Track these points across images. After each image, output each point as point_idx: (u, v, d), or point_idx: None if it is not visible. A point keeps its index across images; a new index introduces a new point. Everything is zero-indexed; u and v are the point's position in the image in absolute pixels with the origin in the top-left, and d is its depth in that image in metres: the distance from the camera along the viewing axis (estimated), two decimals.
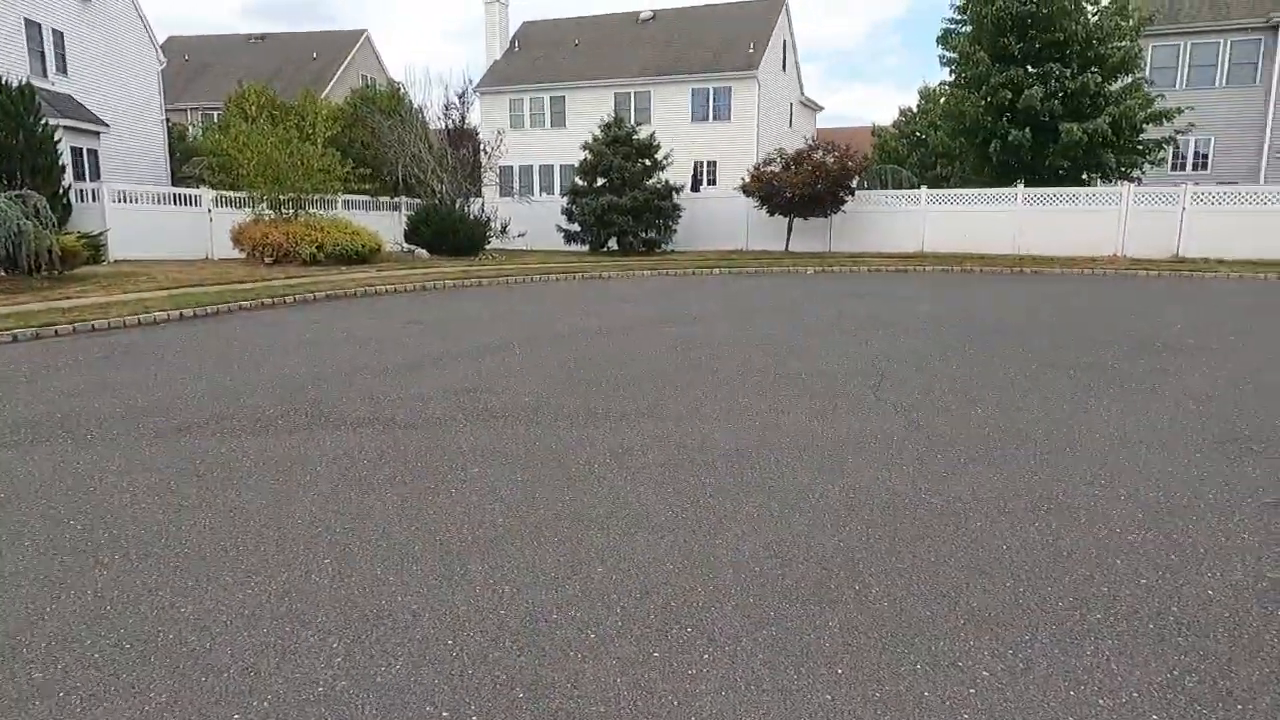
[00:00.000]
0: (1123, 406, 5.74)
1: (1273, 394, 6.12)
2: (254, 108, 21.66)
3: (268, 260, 18.71)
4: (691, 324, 10.15)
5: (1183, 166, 28.02)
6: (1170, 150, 24.25)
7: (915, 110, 48.12)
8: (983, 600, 2.97)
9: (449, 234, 21.73)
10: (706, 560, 3.31)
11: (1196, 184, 22.18)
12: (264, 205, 19.67)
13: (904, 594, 3.02)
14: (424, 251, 21.83)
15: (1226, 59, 27.46)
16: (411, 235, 22.24)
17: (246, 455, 4.72)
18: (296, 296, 13.48)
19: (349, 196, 24.81)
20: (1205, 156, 28.27)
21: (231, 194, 20.71)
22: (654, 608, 2.94)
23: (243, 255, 19.45)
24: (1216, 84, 27.51)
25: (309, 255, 18.48)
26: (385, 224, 23.92)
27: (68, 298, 12.15)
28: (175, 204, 21.13)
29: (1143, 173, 23.74)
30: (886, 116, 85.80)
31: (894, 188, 31.90)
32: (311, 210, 20.49)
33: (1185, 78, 27.70)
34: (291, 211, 19.65)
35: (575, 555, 3.36)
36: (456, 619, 2.87)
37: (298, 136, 19.58)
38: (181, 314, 11.23)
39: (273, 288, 14.28)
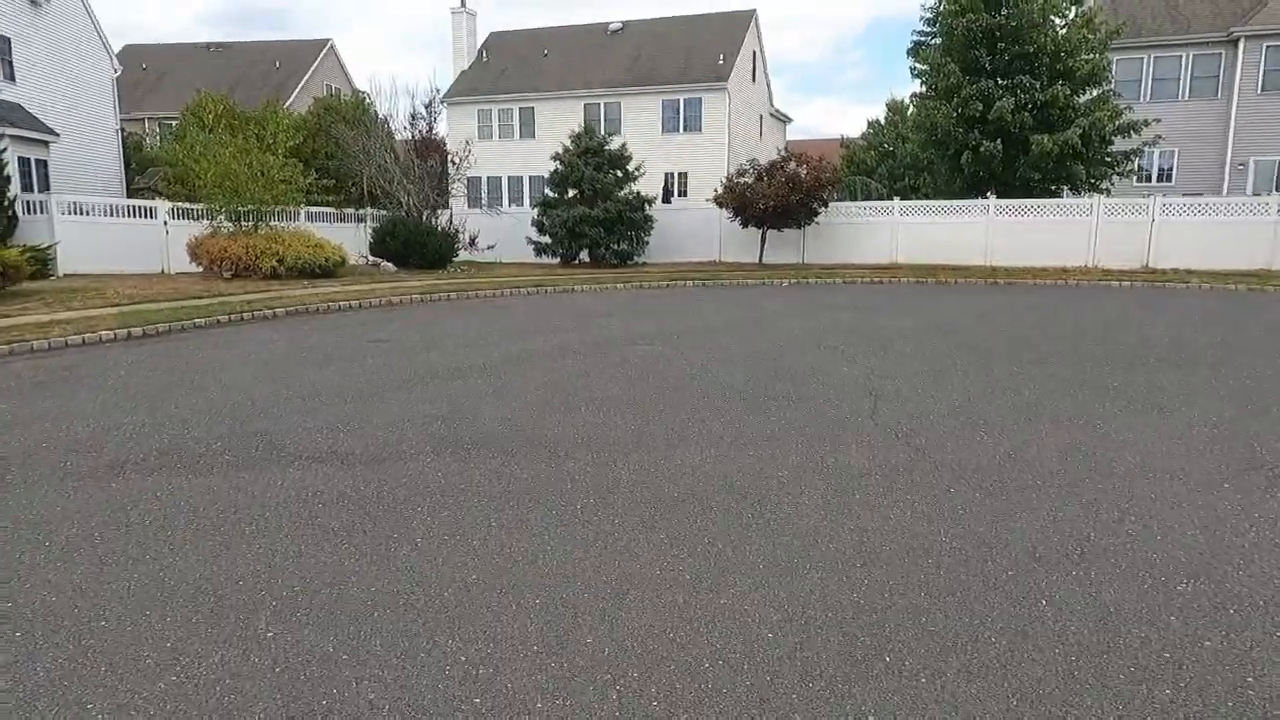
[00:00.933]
0: (1134, 430, 5.43)
1: None
2: (211, 117, 20.92)
3: (226, 275, 18.00)
4: (669, 341, 9.75)
5: (1148, 179, 28.31)
6: (1138, 162, 24.46)
7: (883, 122, 48.58)
8: (1032, 674, 2.58)
9: (416, 246, 21.15)
10: (711, 628, 2.89)
11: (1164, 196, 22.34)
12: (222, 217, 18.96)
13: (941, 667, 2.62)
14: (390, 265, 21.23)
15: (1189, 72, 27.85)
16: (377, 248, 21.62)
17: (186, 499, 4.21)
18: (255, 313, 12.87)
19: (312, 209, 24.13)
20: (1169, 169, 28.60)
21: (189, 205, 19.95)
22: (656, 695, 2.51)
23: (200, 270, 18.72)
24: (1179, 97, 27.88)
25: (270, 269, 17.82)
26: (350, 236, 23.28)
27: (7, 315, 11.43)
28: (130, 216, 20.30)
29: (1111, 184, 23.90)
30: (849, 129, 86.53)
31: (864, 199, 31.92)
32: (272, 223, 19.80)
33: (1148, 90, 28.04)
34: (251, 224, 18.95)
35: (560, 623, 2.92)
36: (422, 711, 2.41)
37: (258, 147, 18.92)
38: (130, 333, 10.59)
39: (230, 304, 13.64)
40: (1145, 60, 28.06)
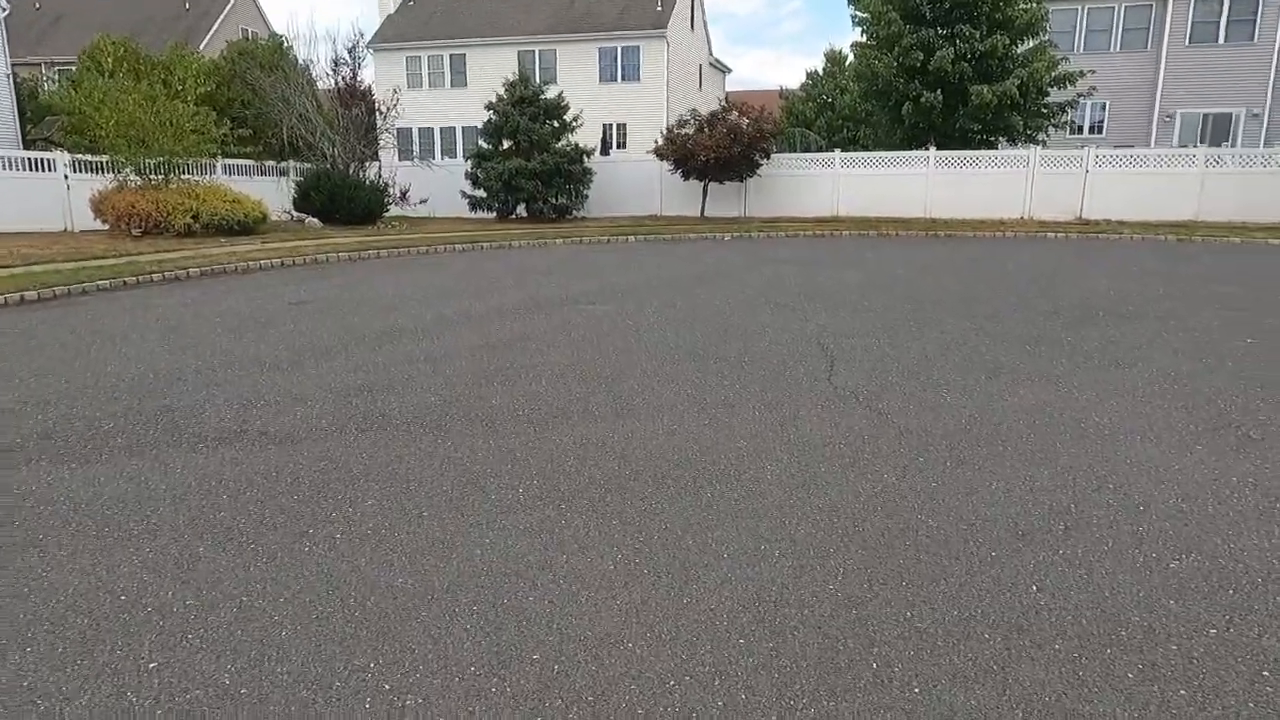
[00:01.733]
0: (1096, 387, 5.26)
1: (1238, 370, 5.77)
2: (111, 60, 19.32)
3: (135, 232, 16.80)
4: (612, 300, 9.32)
5: (1080, 130, 28.67)
6: (1071, 114, 24.69)
7: (821, 74, 48.20)
8: (1034, 676, 2.31)
9: (343, 201, 20.11)
10: (675, 634, 2.55)
11: (1097, 148, 22.62)
12: (130, 171, 17.63)
13: (933, 672, 2.33)
14: (316, 221, 20.16)
15: (1121, 24, 28.10)
16: (302, 203, 20.50)
17: (65, 493, 3.67)
18: (166, 274, 11.96)
19: (231, 161, 22.76)
20: (1101, 121, 29.01)
21: (93, 158, 18.50)
22: None
23: (107, 227, 17.44)
24: (1111, 49, 28.15)
25: (184, 226, 16.69)
26: (271, 191, 22.03)
27: None
28: (25, 170, 18.70)
29: (1047, 136, 24.08)
30: (788, 80, 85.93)
31: (803, 151, 31.65)
32: (185, 176, 18.53)
33: (1082, 42, 28.22)
34: (162, 177, 17.67)
35: (502, 635, 2.54)
36: None
37: (165, 94, 17.56)
38: (23, 296, 9.67)
39: (138, 264, 12.65)
40: (1079, 11, 28.19)
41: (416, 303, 9.24)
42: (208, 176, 21.26)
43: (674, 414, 4.77)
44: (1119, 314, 8.00)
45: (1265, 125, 26.77)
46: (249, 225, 17.78)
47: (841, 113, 44.01)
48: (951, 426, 4.48)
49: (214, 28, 37.96)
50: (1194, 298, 9.06)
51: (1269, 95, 26.59)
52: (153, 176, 17.74)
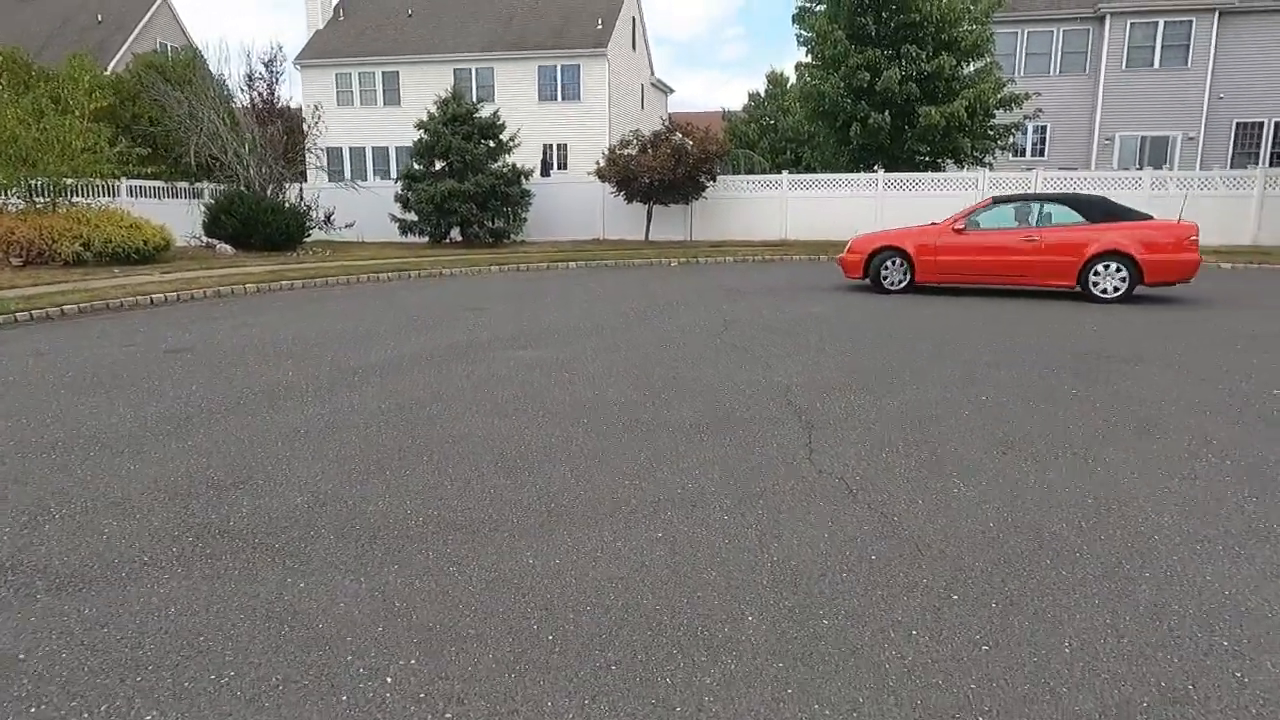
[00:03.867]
0: (1132, 467, 4.30)
1: None
2: None
3: (15, 262, 15.03)
4: (546, 342, 8.16)
5: (1023, 153, 28.65)
6: (1018, 135, 24.52)
7: (764, 95, 48.08)
8: None
9: (259, 226, 18.55)
10: None
11: (1044, 170, 22.37)
12: (13, 193, 15.87)
13: None
14: (227, 247, 18.54)
15: (1060, 48, 28.22)
16: (212, 227, 18.87)
17: None
18: (34, 312, 10.40)
19: (137, 183, 21.05)
20: (1042, 143, 29.06)
21: None
22: None
23: None
24: (1051, 72, 28.22)
25: (72, 255, 14.99)
26: (182, 214, 20.32)
27: None
28: None
29: (994, 158, 23.82)
30: (728, 102, 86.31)
31: (747, 172, 31.10)
32: (79, 200, 16.81)
33: (1023, 65, 28.24)
34: (49, 201, 15.94)
35: None
36: None
37: (54, 109, 15.86)
38: None
39: (1, 300, 11.03)
40: (1019, 35, 28.23)
41: (318, 348, 7.94)
42: (110, 199, 19.53)
43: (618, 521, 3.62)
44: (1116, 357, 7.16)
45: (1200, 148, 27.06)
46: (149, 253, 16.14)
47: (785, 134, 43.84)
48: (979, 536, 3.44)
49: (128, 41, 35.81)
50: (1188, 338, 8.31)
51: (1203, 119, 26.91)
52: (38, 199, 16.01)
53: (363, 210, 23.27)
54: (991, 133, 22.81)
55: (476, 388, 6.16)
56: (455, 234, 22.35)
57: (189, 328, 9.46)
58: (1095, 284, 10.89)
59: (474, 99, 24.22)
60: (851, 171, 23.22)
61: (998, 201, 11.92)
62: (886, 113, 21.39)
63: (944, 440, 4.73)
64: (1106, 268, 10.79)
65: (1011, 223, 11.53)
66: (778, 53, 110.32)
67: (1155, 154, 27.39)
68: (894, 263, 11.81)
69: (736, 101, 79.36)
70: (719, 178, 22.50)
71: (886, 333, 8.55)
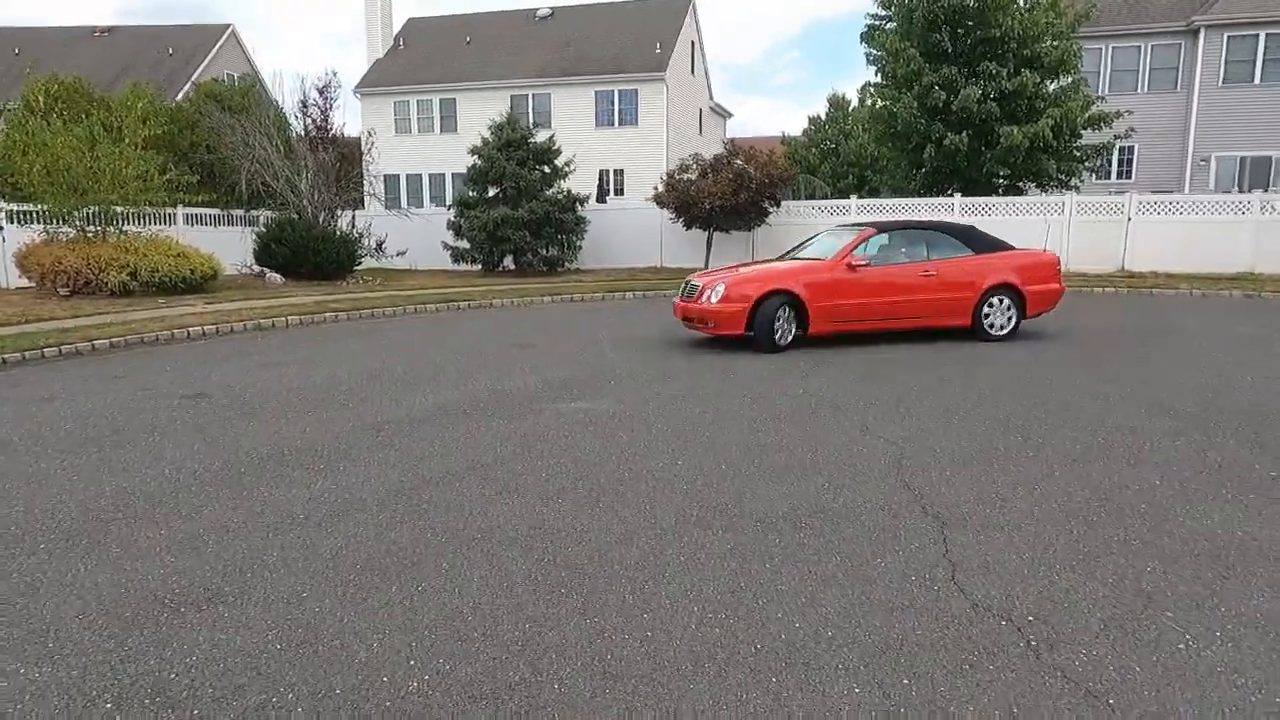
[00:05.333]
0: None
1: None
2: (43, 99, 17.45)
3: (63, 291, 14.76)
4: (601, 392, 7.16)
5: (1108, 175, 26.89)
6: (1111, 157, 22.90)
7: (824, 119, 46.86)
8: None
9: (309, 254, 18.10)
10: None
11: (1138, 194, 20.69)
12: (68, 222, 15.64)
13: None
14: (277, 276, 18.12)
15: (1148, 63, 26.50)
16: (263, 256, 18.49)
17: None
18: (64, 348, 9.85)
19: (193, 210, 20.86)
20: (1129, 165, 27.25)
21: (32, 208, 16.51)
22: None
23: (34, 285, 15.40)
24: (1139, 89, 26.48)
25: (118, 284, 14.65)
26: (235, 243, 20.07)
27: None
28: None
29: (1081, 180, 22.23)
30: (787, 128, 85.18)
31: (808, 197, 29.90)
32: (129, 228, 16.54)
33: (1107, 83, 26.57)
34: (98, 229, 15.68)
35: None
36: None
37: (106, 137, 15.64)
38: None
39: (35, 335, 10.53)
40: (1104, 51, 26.60)
41: (347, 394, 7.07)
42: (167, 227, 19.37)
43: (700, 689, 2.56)
44: (1265, 415, 5.84)
45: None
46: (197, 282, 15.74)
47: (847, 158, 42.54)
48: None
49: (196, 73, 36.46)
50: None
51: None
52: (89, 228, 15.77)
53: (416, 238, 22.81)
54: (1078, 154, 21.26)
55: (516, 454, 5.17)
56: (508, 262, 21.68)
57: (217, 367, 8.73)
58: (988, 320, 9.82)
59: (530, 124, 23.67)
60: (923, 195, 21.89)
61: (882, 230, 10.12)
62: (964, 133, 20.05)
63: (1131, 555, 3.54)
64: (1000, 302, 9.81)
65: (901, 256, 10.00)
66: (837, 77, 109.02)
67: (1256, 176, 25.36)
68: (785, 311, 9.15)
69: (794, 126, 78.27)
70: (783, 203, 21.41)
71: (994, 382, 7.32)
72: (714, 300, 9.15)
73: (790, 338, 9.24)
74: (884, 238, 10.11)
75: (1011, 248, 10.42)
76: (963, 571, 3.33)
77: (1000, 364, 8.25)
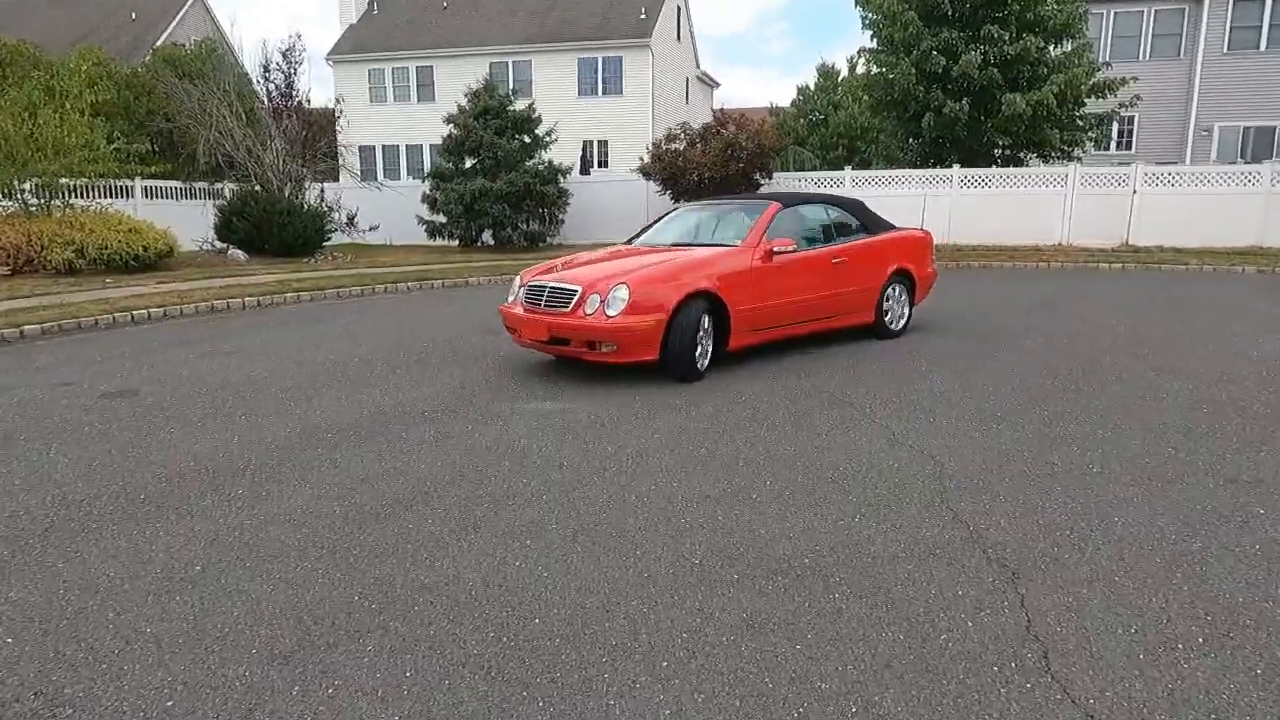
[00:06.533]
0: None
1: None
2: None
3: (3, 270, 13.67)
4: (584, 388, 6.29)
5: (1107, 146, 26.07)
6: (1111, 127, 22.07)
7: (813, 89, 45.69)
8: None
9: (273, 229, 17.01)
10: None
11: (1145, 164, 19.89)
12: (12, 194, 14.50)
13: None
14: (239, 253, 17.03)
15: (1151, 30, 25.59)
16: (224, 231, 17.39)
17: None
18: None
19: (152, 183, 19.69)
20: (1128, 135, 26.45)
21: None
22: None
23: None
24: (1141, 57, 25.58)
25: (63, 262, 13.57)
26: (196, 217, 18.92)
27: None
28: None
29: (1084, 151, 21.39)
30: (775, 99, 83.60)
31: (797, 169, 28.93)
32: (79, 201, 15.42)
33: (1109, 50, 25.65)
34: (41, 203, 14.56)
35: None
36: None
37: (50, 103, 14.47)
38: None
39: None
40: (1105, 16, 25.65)
41: (292, 392, 6.18)
42: (123, 201, 18.22)
43: None
44: None
45: None
46: (151, 260, 14.66)
47: (836, 129, 41.48)
48: None
49: (161, 38, 34.82)
50: None
51: None
52: (32, 201, 14.64)
53: (391, 212, 21.75)
54: (1081, 123, 20.39)
55: (481, 474, 4.30)
56: (487, 237, 20.66)
57: (154, 357, 7.78)
58: (887, 315, 8.16)
59: (510, 93, 22.54)
60: (919, 167, 21.02)
61: (788, 206, 7.68)
62: (964, 101, 19.12)
63: (1260, 613, 2.74)
64: (895, 291, 8.21)
65: (805, 240, 7.58)
66: (826, 46, 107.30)
67: (1260, 146, 24.62)
68: (705, 321, 6.42)
69: (782, 98, 76.85)
70: (775, 175, 20.48)
71: (1024, 369, 6.51)
72: (611, 312, 6.04)
73: (709, 358, 6.54)
74: (790, 215, 7.63)
75: (893, 225, 8.66)
76: (1058, 656, 2.51)
77: (1015, 352, 7.44)
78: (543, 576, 3.10)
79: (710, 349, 6.51)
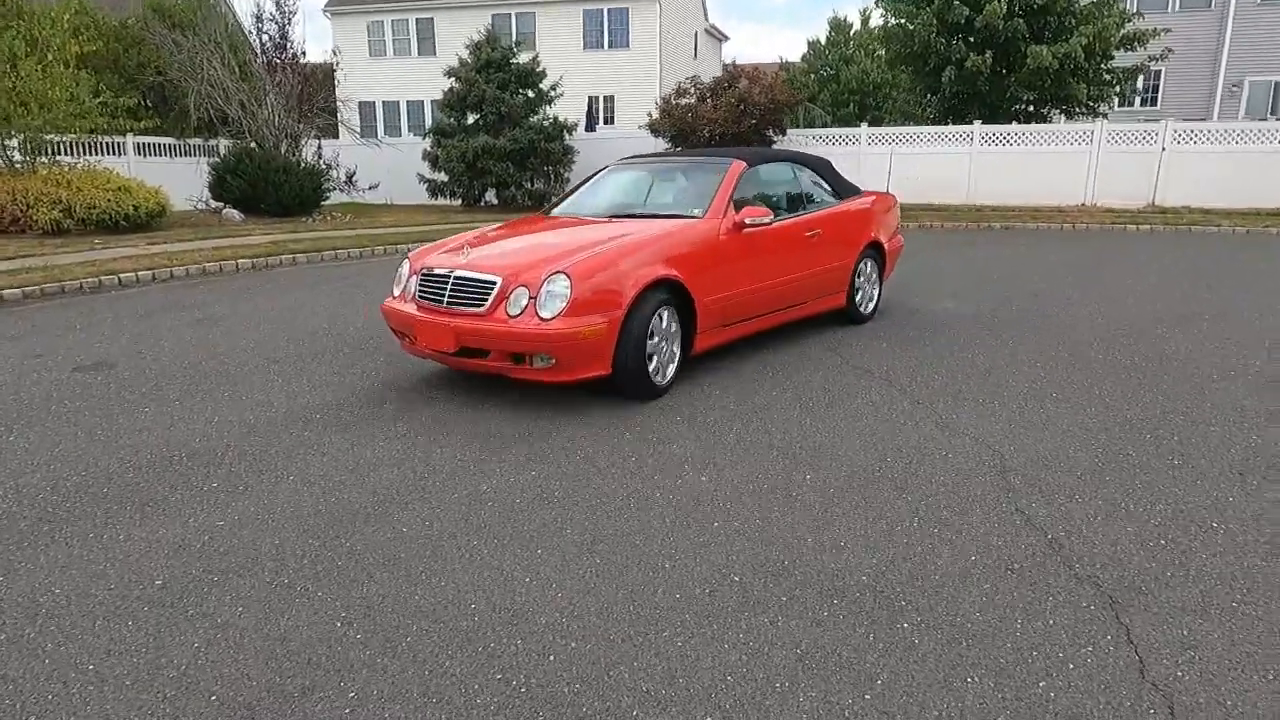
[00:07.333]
0: None
1: None
2: None
3: None
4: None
5: (1131, 103, 25.22)
6: (1142, 81, 21.25)
7: (825, 43, 44.36)
8: None
9: (268, 187, 16.40)
10: None
11: (1173, 120, 19.12)
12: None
13: None
14: (235, 212, 16.45)
15: None
16: (218, 189, 16.79)
17: None
18: None
19: (146, 139, 19.02)
20: (1153, 91, 25.56)
21: None
22: None
23: None
24: (1169, 8, 24.64)
25: (50, 222, 13.05)
26: (192, 175, 18.32)
27: None
28: None
29: (1111, 107, 20.59)
30: (780, 53, 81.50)
31: (807, 126, 28.10)
32: (68, 158, 14.84)
33: (1135, 0, 24.68)
34: (27, 160, 13.98)
35: None
36: None
37: (32, 54, 13.80)
38: None
39: None
40: None
41: (279, 366, 5.72)
42: (115, 158, 17.60)
43: None
44: None
45: None
46: (142, 220, 14.12)
47: (848, 85, 40.35)
48: None
49: None
50: None
51: None
52: (18, 158, 14.07)
53: (391, 170, 21.11)
54: (1109, 77, 19.58)
55: (486, 464, 3.85)
56: (490, 196, 20.05)
57: (137, 324, 7.32)
58: (858, 296, 6.87)
59: (514, 45, 21.72)
60: (938, 124, 20.26)
61: (753, 164, 6.07)
62: (987, 53, 18.32)
63: None
64: (866, 268, 6.91)
65: (776, 208, 5.95)
66: (833, 3, 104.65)
67: None
68: (665, 317, 4.84)
69: (792, 53, 75.07)
70: (789, 131, 19.76)
71: (1073, 343, 6.01)
72: (546, 314, 4.38)
73: (674, 367, 4.99)
74: (754, 176, 6.02)
75: (858, 188, 7.27)
76: (1184, 713, 2.07)
77: (1057, 324, 6.92)
78: (550, 592, 2.66)
79: (675, 355, 4.97)
